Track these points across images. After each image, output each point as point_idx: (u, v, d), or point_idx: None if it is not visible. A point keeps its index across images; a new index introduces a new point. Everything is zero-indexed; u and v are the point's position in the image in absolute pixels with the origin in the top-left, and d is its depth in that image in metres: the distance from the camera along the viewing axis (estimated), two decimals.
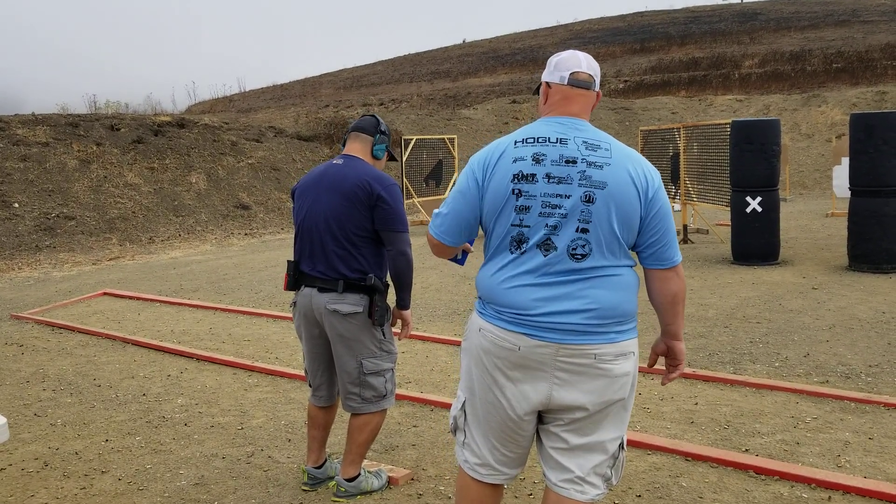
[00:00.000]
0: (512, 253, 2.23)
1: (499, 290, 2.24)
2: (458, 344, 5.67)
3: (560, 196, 2.18)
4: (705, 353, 5.33)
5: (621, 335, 2.23)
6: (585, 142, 2.23)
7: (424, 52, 50.89)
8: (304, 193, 3.31)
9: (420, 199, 14.10)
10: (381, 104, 27.80)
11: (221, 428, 4.22)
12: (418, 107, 26.30)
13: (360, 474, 3.30)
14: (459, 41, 54.53)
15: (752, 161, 8.80)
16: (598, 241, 2.18)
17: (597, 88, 2.35)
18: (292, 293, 3.43)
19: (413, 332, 6.12)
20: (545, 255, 2.19)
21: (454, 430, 2.48)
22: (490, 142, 2.57)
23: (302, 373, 4.95)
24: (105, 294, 8.55)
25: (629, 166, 2.21)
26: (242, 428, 4.20)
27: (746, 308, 6.66)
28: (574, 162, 2.20)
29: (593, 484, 2.28)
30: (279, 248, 12.44)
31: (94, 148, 14.92)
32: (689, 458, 3.56)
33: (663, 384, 2.47)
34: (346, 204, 3.17)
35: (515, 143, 2.27)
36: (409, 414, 4.32)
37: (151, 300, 8.06)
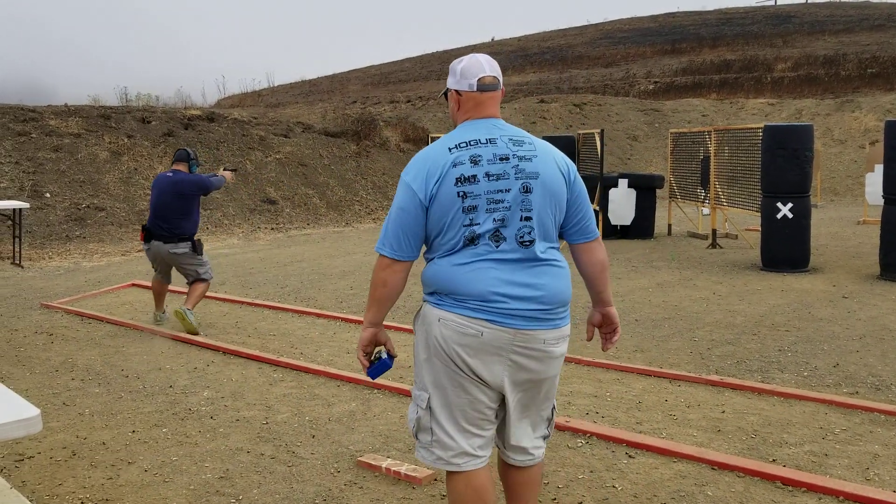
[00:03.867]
0: (467, 248, 2.40)
1: (461, 280, 2.39)
2: None
3: (501, 191, 2.40)
4: (733, 361, 5.28)
5: (563, 320, 2.49)
6: (511, 139, 2.47)
7: (453, 50, 50.83)
8: (155, 188, 6.44)
9: None
10: (409, 101, 27.81)
11: (246, 422, 4.25)
12: (446, 105, 26.29)
13: (191, 309, 6.24)
14: (488, 39, 54.42)
15: (784, 166, 8.70)
16: (539, 227, 2.43)
17: (501, 86, 2.58)
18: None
19: None
20: (497, 246, 2.39)
21: (416, 433, 2.55)
22: None
23: (325, 369, 5.09)
24: (134, 285, 8.65)
25: (552, 156, 2.50)
26: (267, 423, 4.23)
27: (775, 316, 6.58)
28: (507, 158, 2.43)
29: (539, 447, 2.63)
30: (305, 243, 12.51)
31: (126, 140, 15.09)
32: (716, 467, 3.52)
33: (605, 350, 2.71)
34: (179, 193, 6.32)
35: (450, 149, 2.43)
36: None
37: (179, 292, 8.13)
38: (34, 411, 2.17)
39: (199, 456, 3.79)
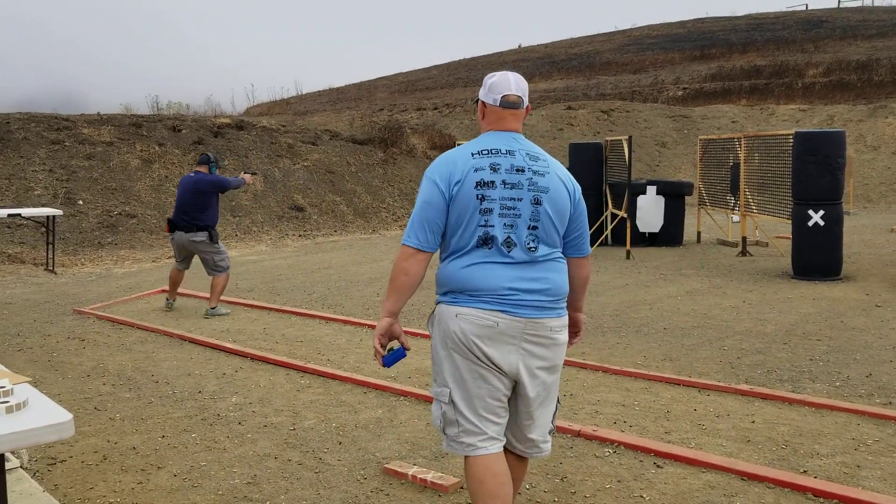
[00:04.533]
0: (480, 248, 2.61)
1: (475, 278, 2.60)
2: None
3: (514, 199, 2.62)
4: (763, 370, 5.21)
5: (563, 310, 2.74)
6: (528, 153, 2.70)
7: (480, 57, 50.87)
8: (179, 187, 7.52)
9: None
10: (436, 108, 27.86)
11: (274, 428, 4.27)
12: (472, 112, 26.31)
13: (216, 307, 7.34)
14: (515, 46, 54.36)
15: (816, 173, 8.59)
16: (543, 236, 2.66)
17: (526, 104, 2.78)
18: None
19: None
20: (508, 250, 2.61)
21: (444, 429, 2.71)
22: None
23: (351, 375, 5.12)
24: (164, 291, 8.74)
25: (560, 174, 2.73)
26: (294, 429, 4.25)
27: (806, 324, 6.49)
28: (522, 170, 2.65)
29: (547, 441, 2.82)
30: (332, 250, 12.57)
31: (157, 148, 15.30)
32: (745, 478, 3.47)
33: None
34: (199, 191, 7.34)
35: (472, 154, 2.65)
36: None
37: (208, 298, 8.21)
38: (66, 416, 2.20)
39: (228, 461, 3.82)
